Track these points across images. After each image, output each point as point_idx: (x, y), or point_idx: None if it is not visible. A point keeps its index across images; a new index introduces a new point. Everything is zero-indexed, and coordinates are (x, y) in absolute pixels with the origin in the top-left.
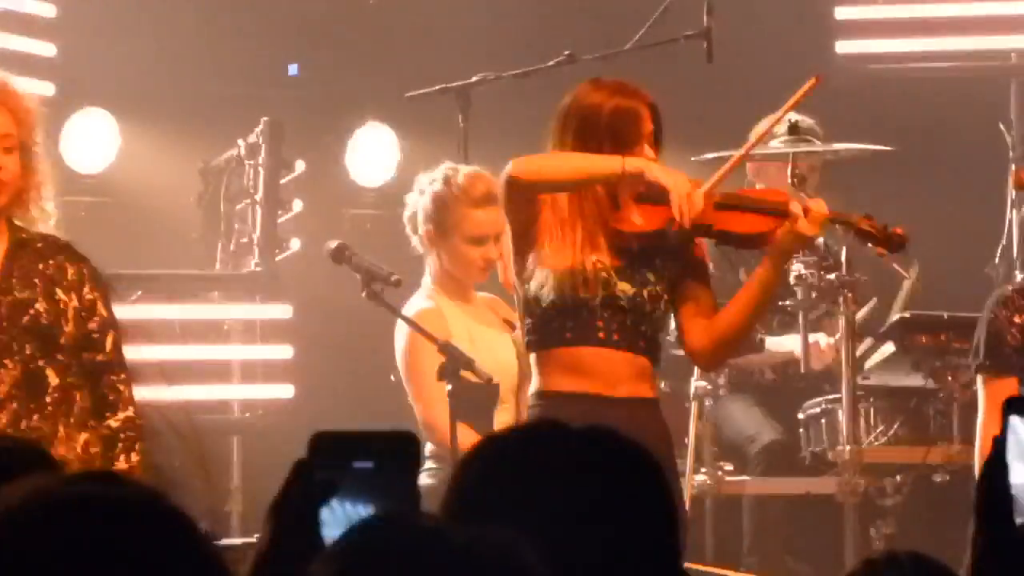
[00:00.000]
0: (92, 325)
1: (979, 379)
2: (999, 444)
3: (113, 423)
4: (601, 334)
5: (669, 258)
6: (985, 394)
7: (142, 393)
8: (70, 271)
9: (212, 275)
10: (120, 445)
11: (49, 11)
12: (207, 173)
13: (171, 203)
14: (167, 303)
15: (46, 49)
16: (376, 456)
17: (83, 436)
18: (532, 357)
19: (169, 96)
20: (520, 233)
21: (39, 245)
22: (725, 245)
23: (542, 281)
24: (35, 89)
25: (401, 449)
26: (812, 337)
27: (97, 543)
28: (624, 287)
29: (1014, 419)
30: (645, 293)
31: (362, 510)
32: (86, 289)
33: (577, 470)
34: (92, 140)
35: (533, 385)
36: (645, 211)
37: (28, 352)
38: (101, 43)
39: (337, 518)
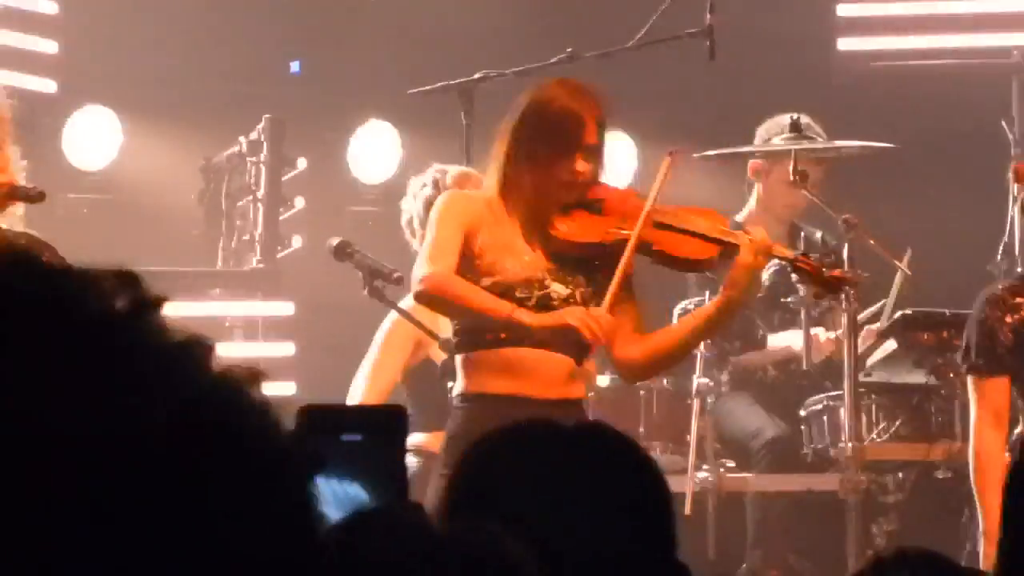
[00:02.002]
0: None
1: (970, 379)
2: (1021, 448)
3: None
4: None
5: (604, 265)
6: (978, 394)
7: None
8: None
9: (214, 272)
10: None
11: (51, 8)
12: (209, 170)
13: (173, 200)
14: (168, 300)
15: (48, 46)
16: (364, 429)
17: None
18: (459, 359)
19: (171, 93)
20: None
21: (23, 243)
22: (662, 265)
23: (478, 283)
24: (37, 86)
25: (389, 422)
26: (812, 331)
27: None
28: (558, 288)
29: None
30: (578, 295)
31: (349, 486)
32: None
33: (571, 467)
34: (94, 137)
35: (457, 387)
36: (588, 220)
37: None
38: (103, 40)
39: (324, 494)
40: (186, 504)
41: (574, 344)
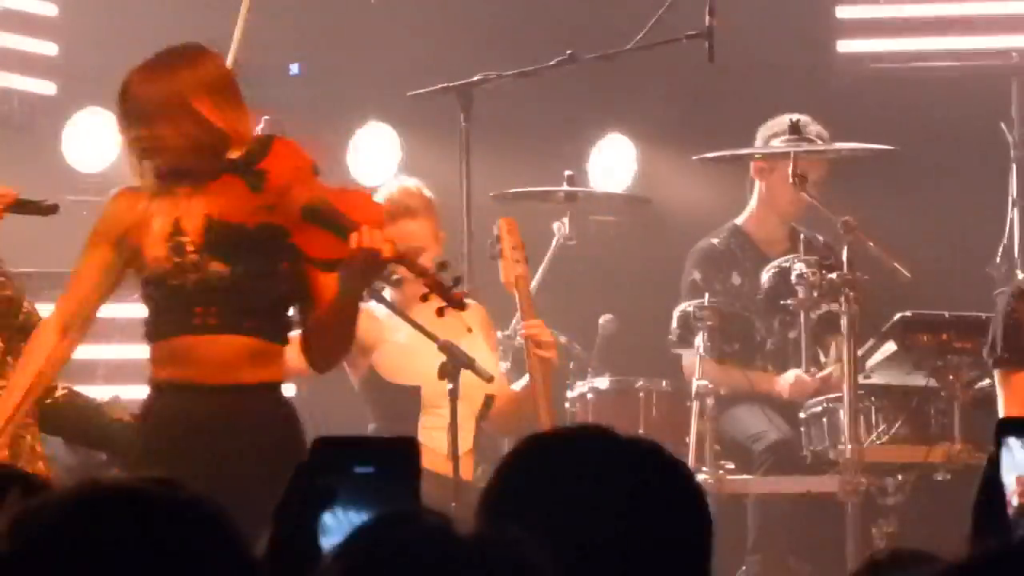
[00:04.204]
0: None
1: (997, 373)
2: (993, 464)
3: None
4: (197, 320)
5: (261, 245)
6: (1004, 387)
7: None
8: None
9: None
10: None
11: (51, 10)
12: None
13: None
14: None
15: (48, 48)
16: (377, 461)
17: None
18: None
19: None
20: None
21: None
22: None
23: (144, 277)
24: (37, 88)
25: (401, 454)
26: (794, 373)
27: (144, 539)
28: (217, 266)
29: (1011, 439)
30: (241, 269)
31: (362, 517)
32: None
33: (617, 475)
34: (93, 139)
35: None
36: (240, 197)
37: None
38: (103, 42)
39: (338, 524)
40: None
41: (250, 318)
